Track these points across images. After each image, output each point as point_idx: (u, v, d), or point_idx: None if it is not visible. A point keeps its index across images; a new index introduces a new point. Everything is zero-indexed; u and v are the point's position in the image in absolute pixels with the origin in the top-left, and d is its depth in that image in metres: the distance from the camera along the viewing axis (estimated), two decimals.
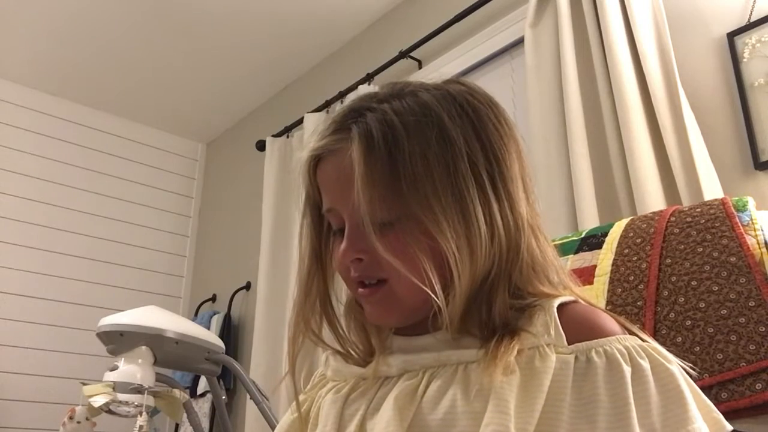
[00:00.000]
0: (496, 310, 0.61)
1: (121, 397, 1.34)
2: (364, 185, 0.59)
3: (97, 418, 1.46)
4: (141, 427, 1.34)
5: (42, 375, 2.79)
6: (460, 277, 0.59)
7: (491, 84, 2.06)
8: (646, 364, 0.55)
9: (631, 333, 0.60)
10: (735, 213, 0.91)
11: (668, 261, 0.92)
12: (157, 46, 2.79)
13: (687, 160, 1.40)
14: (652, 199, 1.42)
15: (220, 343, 1.55)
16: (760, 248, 0.86)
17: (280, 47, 2.79)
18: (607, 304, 0.94)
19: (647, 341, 0.58)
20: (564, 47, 1.68)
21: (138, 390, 1.35)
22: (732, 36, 1.46)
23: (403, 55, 2.29)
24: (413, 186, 0.59)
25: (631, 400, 0.53)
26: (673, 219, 0.96)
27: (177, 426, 2.82)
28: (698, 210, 0.95)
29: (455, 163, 0.60)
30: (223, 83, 3.05)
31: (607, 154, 1.58)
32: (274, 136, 2.78)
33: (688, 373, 0.57)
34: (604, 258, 0.99)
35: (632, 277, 0.94)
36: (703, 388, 0.61)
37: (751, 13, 1.44)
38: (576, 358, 0.56)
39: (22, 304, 2.82)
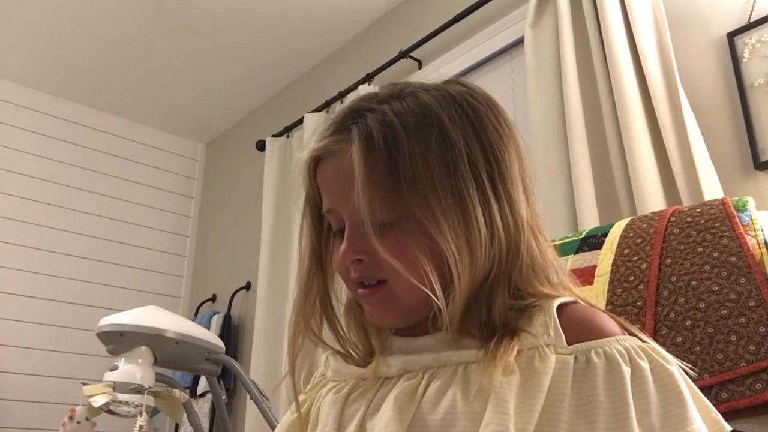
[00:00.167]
0: (495, 310, 0.61)
1: (121, 397, 1.34)
2: (364, 186, 0.59)
3: (97, 418, 1.46)
4: (141, 427, 1.34)
5: (42, 375, 2.79)
6: (460, 277, 0.59)
7: (491, 84, 2.06)
8: (645, 364, 0.55)
9: (631, 333, 0.60)
10: (735, 213, 0.91)
11: (668, 261, 0.92)
12: (157, 46, 2.79)
13: (687, 160, 1.40)
14: (652, 199, 1.42)
15: (220, 343, 1.55)
16: (760, 248, 0.86)
17: (280, 47, 2.79)
18: (607, 304, 0.94)
19: (647, 342, 0.58)
20: (564, 47, 1.68)
21: (138, 390, 1.35)
22: (732, 36, 1.46)
23: (403, 55, 2.29)
24: (413, 187, 0.59)
25: (631, 401, 0.53)
26: (673, 219, 0.96)
27: (177, 426, 2.82)
28: (698, 210, 0.95)
29: (455, 164, 0.60)
30: (223, 83, 3.05)
31: (607, 154, 1.58)
32: (274, 136, 2.78)
33: (687, 373, 0.57)
34: (604, 258, 0.99)
35: (632, 277, 0.94)
36: (703, 389, 0.61)
37: (751, 13, 1.44)
38: (575, 358, 0.56)
39: (22, 304, 2.82)
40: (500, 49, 2.07)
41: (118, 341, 1.40)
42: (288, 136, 2.76)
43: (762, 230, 0.88)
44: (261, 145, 2.81)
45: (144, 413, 1.35)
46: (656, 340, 0.65)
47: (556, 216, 1.60)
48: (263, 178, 2.72)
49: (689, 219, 0.94)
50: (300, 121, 2.65)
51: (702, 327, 0.84)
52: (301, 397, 0.72)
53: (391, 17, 2.55)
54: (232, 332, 2.83)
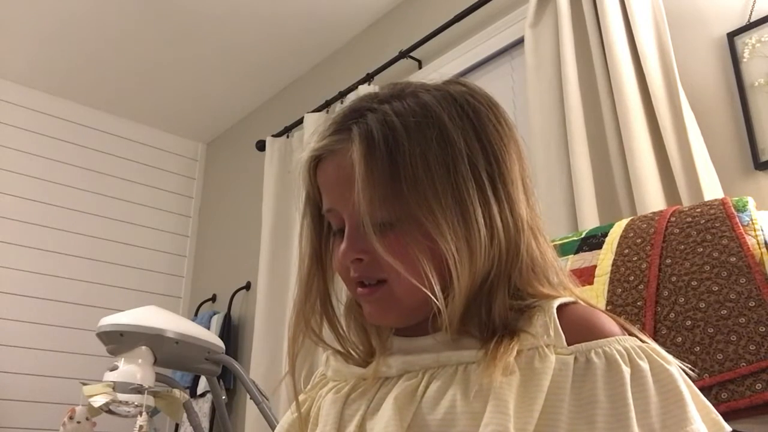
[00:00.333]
0: (495, 311, 0.61)
1: (121, 397, 1.34)
2: (364, 186, 0.59)
3: (97, 418, 1.46)
4: (141, 427, 1.34)
5: (42, 375, 2.79)
6: (460, 278, 0.59)
7: (491, 84, 2.06)
8: (645, 365, 0.55)
9: (631, 334, 0.60)
10: (735, 213, 0.91)
11: (668, 261, 0.92)
12: (157, 45, 2.79)
13: (687, 160, 1.40)
14: (652, 199, 1.42)
15: (220, 343, 1.55)
16: (760, 248, 0.86)
17: (280, 47, 2.79)
18: (607, 305, 0.94)
19: (646, 342, 0.58)
20: (564, 47, 1.68)
21: (138, 390, 1.35)
22: (732, 36, 1.46)
23: (403, 55, 2.29)
24: (413, 187, 0.59)
25: (630, 401, 0.53)
26: (673, 219, 0.96)
27: (177, 426, 2.82)
28: (698, 210, 0.95)
29: (455, 164, 0.60)
30: (223, 83, 3.05)
31: (607, 154, 1.58)
32: (274, 136, 2.78)
33: (687, 373, 0.57)
34: (604, 258, 0.99)
35: (632, 278, 0.94)
36: (703, 389, 0.61)
37: (751, 13, 1.44)
38: (575, 359, 0.56)
39: (22, 304, 2.82)
40: (500, 49, 2.07)
41: (118, 341, 1.40)
42: (288, 136, 2.76)
43: (762, 230, 0.88)
44: (261, 145, 2.81)
45: (144, 413, 1.35)
46: (656, 341, 0.65)
47: (556, 216, 1.60)
48: (263, 178, 2.72)
49: (689, 219, 0.94)
50: (300, 121, 2.65)
51: (702, 327, 0.84)
52: (301, 397, 0.72)
53: (391, 17, 2.55)
54: (232, 332, 2.83)
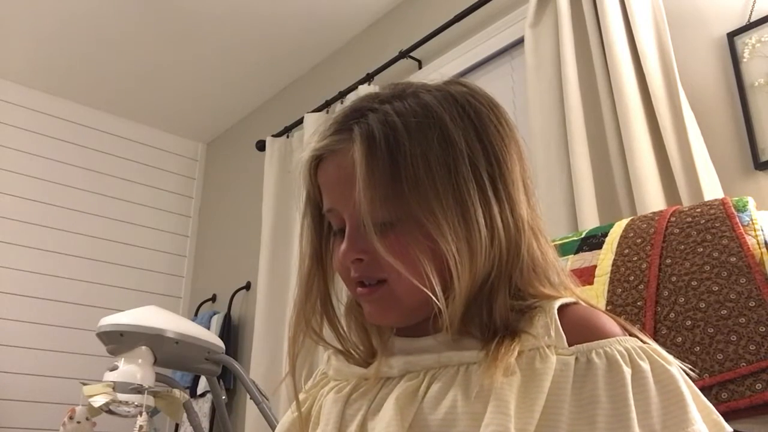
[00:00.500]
0: (496, 311, 0.61)
1: (121, 397, 1.34)
2: (365, 186, 0.59)
3: (97, 418, 1.46)
4: (141, 427, 1.34)
5: (42, 375, 2.79)
6: (460, 278, 0.59)
7: (491, 84, 2.06)
8: (646, 365, 0.55)
9: (631, 334, 0.60)
10: (735, 213, 0.91)
11: (668, 261, 0.92)
12: (157, 45, 2.79)
13: (687, 160, 1.40)
14: (652, 199, 1.42)
15: (220, 343, 1.55)
16: (760, 248, 0.86)
17: (280, 47, 2.79)
18: (607, 305, 0.94)
19: (647, 342, 0.58)
20: (564, 47, 1.68)
21: (138, 390, 1.35)
22: (732, 36, 1.46)
23: (403, 55, 2.29)
24: (414, 187, 0.59)
25: (631, 402, 0.53)
26: (673, 219, 0.96)
27: (177, 426, 2.82)
28: (698, 210, 0.95)
29: (456, 164, 0.60)
30: (223, 83, 3.05)
31: (607, 154, 1.58)
32: (274, 136, 2.78)
33: (687, 374, 0.57)
34: (604, 258, 0.99)
35: (632, 278, 0.94)
36: (703, 389, 0.61)
37: (751, 13, 1.44)
38: (576, 359, 0.56)
39: (22, 304, 2.82)
40: (500, 49, 2.07)
41: (118, 341, 1.40)
42: (288, 136, 2.76)
43: (762, 230, 0.88)
44: (261, 145, 2.81)
45: (144, 413, 1.35)
46: (656, 341, 0.65)
47: (556, 216, 1.60)
48: (263, 178, 2.72)
49: (689, 219, 0.94)
50: (300, 121, 2.65)
51: (702, 327, 0.84)
52: (301, 396, 0.72)
53: (391, 17, 2.55)
54: (232, 332, 2.83)
